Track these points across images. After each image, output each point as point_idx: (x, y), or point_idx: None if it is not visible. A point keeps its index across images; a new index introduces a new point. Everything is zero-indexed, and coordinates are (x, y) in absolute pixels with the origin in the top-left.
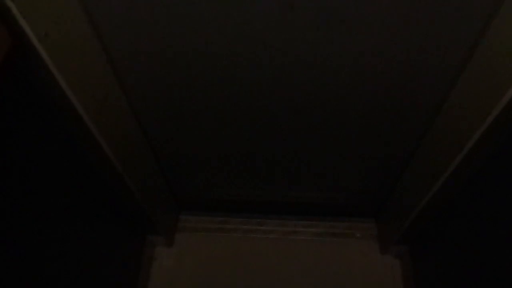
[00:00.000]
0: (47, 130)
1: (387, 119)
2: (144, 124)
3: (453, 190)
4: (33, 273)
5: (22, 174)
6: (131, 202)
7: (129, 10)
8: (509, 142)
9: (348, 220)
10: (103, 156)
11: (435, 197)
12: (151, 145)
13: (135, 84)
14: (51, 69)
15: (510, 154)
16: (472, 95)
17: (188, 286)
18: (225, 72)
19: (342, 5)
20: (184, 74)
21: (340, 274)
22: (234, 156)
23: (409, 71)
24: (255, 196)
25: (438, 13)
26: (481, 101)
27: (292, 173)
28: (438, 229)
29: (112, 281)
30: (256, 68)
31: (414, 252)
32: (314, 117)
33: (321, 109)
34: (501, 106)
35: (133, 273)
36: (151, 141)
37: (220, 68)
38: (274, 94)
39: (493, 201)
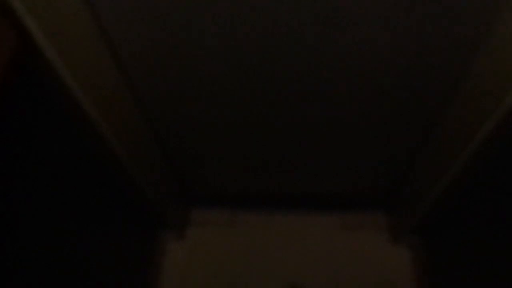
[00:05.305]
0: (54, 127)
1: (398, 108)
2: (153, 119)
3: (468, 178)
4: (45, 269)
5: (29, 173)
6: (142, 197)
7: (133, 3)
8: None
9: (359, 212)
10: (111, 152)
11: (450, 185)
12: (161, 140)
13: (142, 78)
14: (56, 66)
15: None
16: (487, 79)
17: (200, 279)
18: (235, 63)
19: None
20: (192, 66)
21: (351, 266)
22: (244, 149)
23: (422, 55)
24: (265, 189)
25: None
26: (496, 85)
27: (302, 164)
28: (453, 219)
29: (124, 276)
30: (266, 59)
31: (427, 243)
32: (323, 108)
33: (331, 98)
34: None
35: (145, 267)
36: (160, 136)
37: (230, 58)
38: (283, 85)
39: None
